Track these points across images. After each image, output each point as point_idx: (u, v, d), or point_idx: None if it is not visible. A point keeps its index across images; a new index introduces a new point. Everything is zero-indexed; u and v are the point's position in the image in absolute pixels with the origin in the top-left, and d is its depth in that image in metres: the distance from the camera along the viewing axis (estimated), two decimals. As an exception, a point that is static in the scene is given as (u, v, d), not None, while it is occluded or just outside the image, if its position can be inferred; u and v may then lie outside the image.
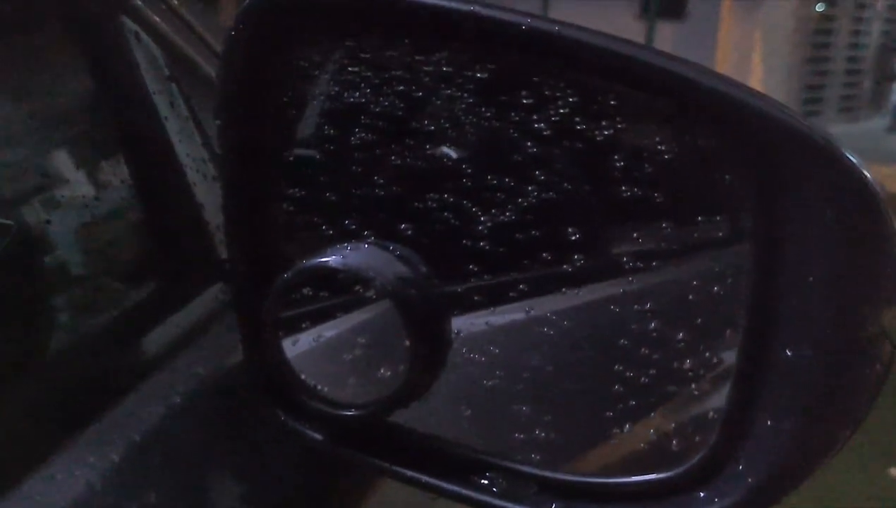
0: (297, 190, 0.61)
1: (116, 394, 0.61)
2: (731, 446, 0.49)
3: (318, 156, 0.61)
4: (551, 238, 0.54)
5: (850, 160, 0.45)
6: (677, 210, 0.52)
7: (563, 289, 0.55)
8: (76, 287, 0.71)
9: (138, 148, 0.77)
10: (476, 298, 0.57)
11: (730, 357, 0.50)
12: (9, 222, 0.63)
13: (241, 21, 0.55)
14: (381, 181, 0.59)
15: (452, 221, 0.55)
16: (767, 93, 0.48)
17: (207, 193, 0.79)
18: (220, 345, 0.70)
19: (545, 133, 0.52)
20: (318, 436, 0.61)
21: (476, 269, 0.56)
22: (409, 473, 0.57)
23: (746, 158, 0.47)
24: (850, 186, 0.45)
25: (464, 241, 0.55)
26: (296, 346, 0.57)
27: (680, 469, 0.51)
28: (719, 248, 0.51)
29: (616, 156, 0.52)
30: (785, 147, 0.45)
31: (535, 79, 0.52)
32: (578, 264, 0.54)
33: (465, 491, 0.56)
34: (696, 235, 0.52)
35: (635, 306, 0.53)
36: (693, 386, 0.52)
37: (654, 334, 0.52)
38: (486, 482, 0.56)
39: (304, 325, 0.58)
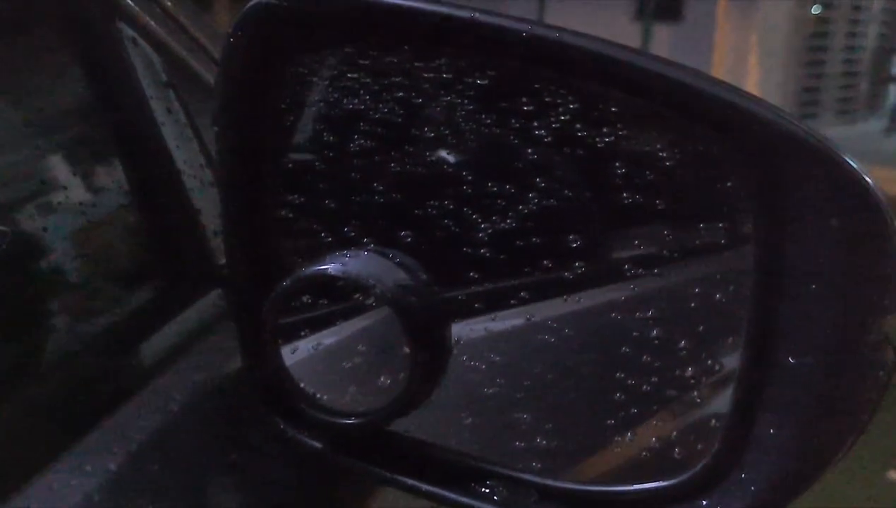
0: (295, 196, 0.61)
1: (114, 402, 0.60)
2: (734, 454, 0.49)
3: (317, 163, 0.61)
4: (552, 245, 0.54)
5: (850, 164, 0.45)
6: (678, 216, 0.52)
7: (564, 296, 0.54)
8: (72, 294, 0.70)
9: (135, 153, 0.77)
10: (476, 305, 0.57)
11: (732, 364, 0.50)
12: (4, 228, 0.63)
13: (239, 28, 0.55)
14: (381, 188, 0.59)
15: (453, 228, 0.55)
16: (764, 95, 0.48)
17: (205, 199, 0.79)
18: (217, 352, 0.69)
19: (546, 139, 0.52)
20: (317, 445, 0.60)
21: (476, 276, 0.56)
22: (410, 482, 0.57)
23: (747, 164, 0.47)
24: (850, 190, 0.44)
25: (464, 248, 0.55)
26: (295, 354, 0.57)
27: (682, 477, 0.51)
28: (721, 255, 0.51)
29: (617, 163, 0.51)
30: (785, 152, 0.45)
31: (535, 85, 0.52)
32: (579, 271, 0.54)
33: (465, 500, 0.55)
34: (697, 241, 0.52)
35: (637, 313, 0.53)
36: (695, 393, 0.52)
37: (656, 341, 0.52)
38: (486, 490, 0.55)
39: (303, 333, 0.58)
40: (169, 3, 0.89)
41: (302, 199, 0.61)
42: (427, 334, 0.53)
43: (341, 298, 0.54)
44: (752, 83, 8.58)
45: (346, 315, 0.56)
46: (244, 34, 0.55)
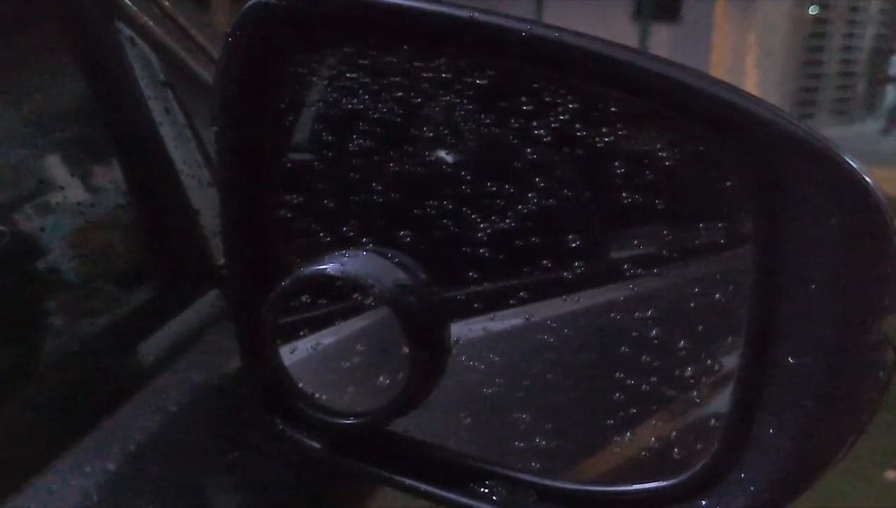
0: (294, 196, 0.61)
1: (112, 402, 0.60)
2: (733, 454, 0.49)
3: (315, 163, 0.61)
4: (551, 244, 0.54)
5: (850, 164, 0.44)
6: (678, 216, 0.52)
7: (564, 296, 0.54)
8: (71, 294, 0.70)
9: (134, 153, 0.77)
10: (475, 305, 0.57)
11: (731, 363, 0.50)
12: (3, 228, 0.63)
13: (237, 28, 0.55)
14: (380, 188, 0.58)
15: (452, 228, 0.55)
16: (762, 94, 0.48)
17: (203, 199, 0.79)
18: (216, 352, 0.69)
19: (545, 139, 0.52)
20: (316, 445, 0.60)
21: (475, 276, 0.56)
22: (409, 482, 0.57)
23: (746, 164, 0.47)
24: (850, 190, 0.44)
25: (463, 248, 0.55)
26: (294, 354, 0.57)
27: (681, 477, 0.51)
28: (720, 255, 0.51)
29: (616, 163, 0.51)
30: (785, 152, 0.45)
31: (534, 85, 0.52)
32: (579, 271, 0.53)
33: (464, 500, 0.55)
34: (697, 241, 0.52)
35: (636, 313, 0.53)
36: (694, 392, 0.52)
37: (656, 341, 0.52)
38: (485, 490, 0.55)
39: (302, 333, 0.58)
40: (167, 3, 0.89)
41: (301, 199, 0.61)
42: (426, 334, 0.53)
43: (340, 298, 0.54)
44: (750, 83, 8.58)
45: (345, 315, 0.56)
46: (243, 34, 0.55)
